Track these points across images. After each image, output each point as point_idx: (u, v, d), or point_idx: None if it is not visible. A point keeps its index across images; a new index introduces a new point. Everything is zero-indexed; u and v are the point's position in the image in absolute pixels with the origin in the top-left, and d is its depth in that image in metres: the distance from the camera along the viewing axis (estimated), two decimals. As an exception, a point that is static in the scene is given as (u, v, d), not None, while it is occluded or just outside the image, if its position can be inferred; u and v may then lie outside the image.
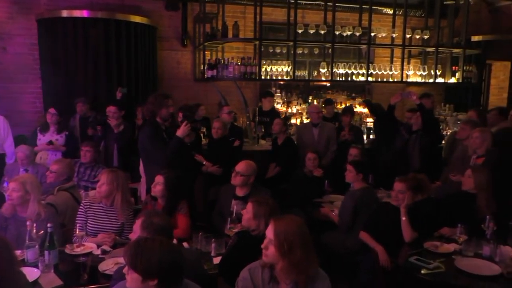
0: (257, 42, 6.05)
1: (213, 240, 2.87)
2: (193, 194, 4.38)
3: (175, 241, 2.62)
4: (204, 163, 4.73)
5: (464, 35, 6.70)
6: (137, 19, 6.35)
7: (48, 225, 2.60)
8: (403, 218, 3.19)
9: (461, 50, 6.62)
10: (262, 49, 6.17)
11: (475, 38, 7.53)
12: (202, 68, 6.76)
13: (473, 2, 7.18)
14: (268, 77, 6.11)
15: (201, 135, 5.71)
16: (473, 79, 6.90)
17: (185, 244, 2.93)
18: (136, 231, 2.26)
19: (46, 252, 2.51)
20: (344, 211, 3.73)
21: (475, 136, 4.10)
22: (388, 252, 3.15)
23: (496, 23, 7.93)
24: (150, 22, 6.61)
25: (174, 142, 3.64)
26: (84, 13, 6.04)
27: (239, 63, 5.83)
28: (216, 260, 2.72)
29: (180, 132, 3.65)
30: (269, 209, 2.47)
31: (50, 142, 5.05)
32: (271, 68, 6.04)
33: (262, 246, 2.00)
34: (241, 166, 3.47)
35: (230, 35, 6.03)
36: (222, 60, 5.99)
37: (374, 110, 5.51)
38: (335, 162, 5.25)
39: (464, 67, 6.61)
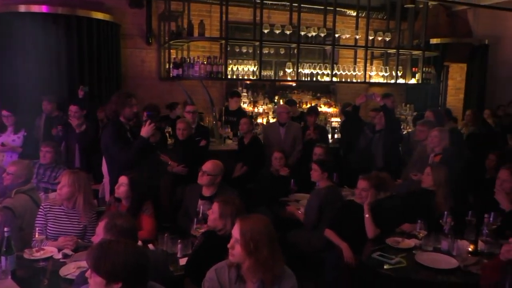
0: (223, 42, 6.04)
1: (179, 241, 2.84)
2: (158, 195, 4.32)
3: (140, 242, 2.57)
4: (169, 163, 4.67)
5: (423, 38, 6.96)
6: (99, 15, 6.18)
7: (5, 229, 2.48)
8: (367, 215, 3.27)
9: (420, 52, 6.87)
10: (228, 49, 6.17)
11: (433, 41, 7.83)
12: (167, 67, 6.68)
13: (431, 6, 7.46)
14: (235, 77, 6.11)
15: (167, 135, 5.63)
16: (432, 80, 7.18)
17: (150, 246, 2.88)
18: (99, 234, 2.20)
19: (2, 258, 2.40)
20: (310, 210, 3.78)
21: (433, 135, 4.27)
22: (353, 249, 3.22)
23: (453, 27, 8.28)
24: (113, 19, 6.45)
25: (139, 142, 3.56)
26: (43, 9, 5.81)
27: (205, 62, 5.79)
28: (183, 261, 2.70)
29: (144, 132, 3.56)
30: (235, 209, 2.47)
31: (2, 144, 4.86)
32: (237, 68, 6.04)
33: (229, 246, 2.00)
34: (208, 166, 3.45)
35: (196, 34, 5.99)
36: (188, 59, 5.93)
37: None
38: (301, 161, 5.31)
39: (424, 69, 6.86)
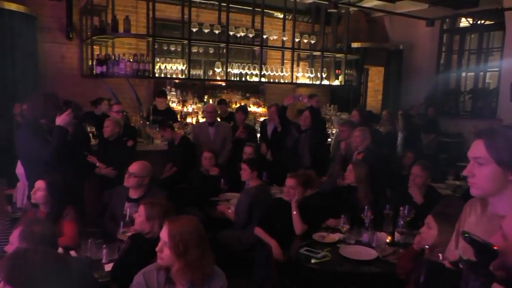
0: (150, 39, 5.88)
1: (104, 246, 2.72)
2: (83, 198, 4.09)
3: (60, 250, 2.42)
4: (97, 164, 4.45)
5: (345, 42, 7.33)
6: (12, 6, 5.68)
7: None
8: (294, 212, 3.38)
9: (343, 55, 7.23)
10: (156, 46, 6.02)
11: (355, 45, 8.26)
12: (90, 63, 6.34)
13: (352, 12, 7.87)
14: (163, 75, 5.98)
15: (90, 135, 5.36)
16: (354, 82, 7.58)
17: (72, 253, 2.72)
18: (14, 243, 2.05)
19: None
20: (240, 209, 3.82)
21: (356, 134, 4.53)
22: (282, 245, 3.31)
23: (372, 32, 8.81)
24: (29, 11, 5.97)
25: (56, 133, 3.23)
26: None
27: (131, 60, 5.60)
28: (108, 267, 2.59)
29: (60, 120, 3.21)
30: (163, 210, 2.42)
31: None
32: (165, 66, 5.91)
33: (157, 249, 1.96)
34: (134, 167, 3.34)
35: (121, 30, 5.76)
36: (113, 56, 5.69)
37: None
38: (231, 160, 5.34)
39: (346, 71, 7.23)
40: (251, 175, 3.89)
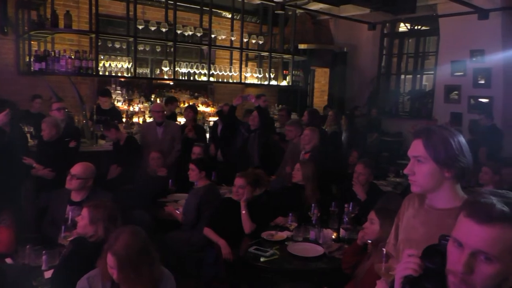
0: (93, 35, 5.64)
1: (44, 252, 2.58)
2: (20, 202, 3.86)
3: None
4: (34, 165, 4.20)
5: (292, 43, 7.47)
6: None
7: None
8: (243, 212, 3.40)
9: (290, 56, 7.36)
10: (100, 43, 5.79)
11: (301, 46, 8.44)
12: (27, 60, 5.99)
13: (299, 14, 8.05)
14: (107, 74, 5.77)
15: (28, 135, 5.06)
16: (301, 82, 7.74)
17: (8, 260, 2.56)
18: None
19: None
20: (188, 209, 3.78)
21: (305, 134, 4.63)
22: (231, 245, 3.31)
23: (318, 34, 9.05)
24: (-43, 2, 5.55)
25: None
26: None
27: (72, 57, 5.34)
28: (48, 274, 2.46)
29: None
30: (107, 213, 2.34)
31: None
32: (109, 64, 5.71)
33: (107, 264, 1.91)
34: (77, 169, 3.20)
35: (61, 25, 5.49)
36: (53, 52, 5.40)
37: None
38: (179, 160, 5.27)
39: (293, 72, 7.37)
40: (199, 175, 3.87)
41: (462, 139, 1.54)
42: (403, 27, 9.01)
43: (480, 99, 7.00)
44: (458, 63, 7.16)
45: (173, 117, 6.37)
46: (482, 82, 6.91)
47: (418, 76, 8.80)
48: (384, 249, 1.79)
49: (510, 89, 6.67)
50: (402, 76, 9.06)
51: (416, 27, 8.73)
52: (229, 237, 3.35)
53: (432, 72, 8.23)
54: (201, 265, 3.51)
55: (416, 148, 1.55)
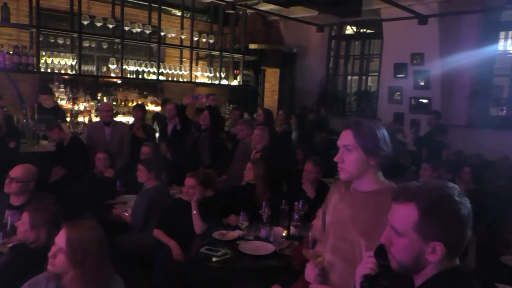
0: (34, 30, 5.36)
1: (-20, 260, 2.42)
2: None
3: None
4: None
5: (243, 43, 7.50)
6: None
7: None
8: (194, 212, 3.37)
9: (241, 55, 7.39)
10: (41, 39, 5.51)
11: (252, 46, 8.50)
12: (-41, 54, 5.58)
13: (250, 14, 8.10)
14: (49, 70, 5.50)
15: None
16: (252, 82, 7.81)
17: None
18: None
19: None
20: (138, 211, 3.70)
21: (255, 133, 4.67)
22: (182, 246, 3.28)
23: (268, 35, 9.15)
24: None
25: None
26: None
27: (11, 52, 5.04)
28: (-14, 284, 2.31)
29: None
30: (50, 217, 2.24)
31: None
32: (52, 61, 5.45)
33: (50, 254, 1.81)
34: (17, 171, 3.03)
35: (-2, 18, 5.16)
36: (-12, 47, 5.07)
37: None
38: (128, 161, 5.14)
39: (244, 72, 7.41)
40: (148, 176, 3.79)
41: (385, 132, 1.71)
42: (349, 30, 9.32)
43: (420, 100, 7.39)
44: (400, 65, 7.52)
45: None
46: (422, 84, 7.30)
47: (364, 77, 9.15)
48: (310, 235, 1.90)
49: (446, 91, 7.10)
50: (349, 77, 9.37)
51: (361, 30, 9.07)
52: (180, 238, 3.32)
53: (377, 73, 8.59)
54: (152, 267, 3.44)
55: (346, 138, 1.70)
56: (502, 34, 7.60)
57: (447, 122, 6.52)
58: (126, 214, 3.82)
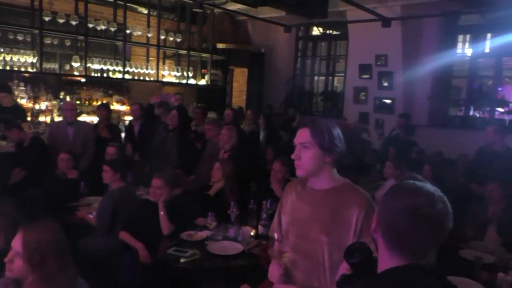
0: (-9, 26, 5.14)
1: None
2: None
3: None
4: None
5: (211, 42, 7.47)
6: None
7: None
8: (161, 213, 3.34)
9: (209, 55, 7.35)
10: (0, 35, 5.29)
11: (220, 46, 8.48)
12: None
13: (217, 13, 8.07)
14: (8, 68, 5.29)
15: None
16: (220, 82, 7.79)
17: None
18: None
19: None
20: (103, 213, 3.62)
21: (223, 133, 4.66)
22: (149, 247, 3.24)
23: (236, 34, 9.15)
24: None
25: None
26: None
27: (-34, 48, 4.82)
28: None
29: None
30: (8, 221, 2.15)
31: None
32: (11, 58, 5.24)
33: (6, 259, 1.74)
34: (-27, 173, 2.90)
35: (-49, 12, 4.92)
36: None
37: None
38: (92, 161, 5.02)
39: (212, 71, 7.38)
40: (114, 176, 3.72)
41: (339, 130, 1.78)
42: (316, 31, 9.46)
43: (384, 100, 7.61)
44: (365, 66, 7.70)
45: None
46: (386, 84, 7.52)
47: (330, 77, 9.31)
48: (273, 234, 1.95)
49: (408, 91, 7.34)
50: (316, 77, 9.51)
51: (328, 32, 9.22)
52: (147, 239, 3.27)
53: (343, 74, 8.77)
54: (118, 270, 3.38)
55: (303, 135, 1.75)
56: (460, 37, 7.94)
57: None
58: (91, 216, 3.73)
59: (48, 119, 6.55)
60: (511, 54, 7.08)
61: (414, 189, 1.17)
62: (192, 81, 7.29)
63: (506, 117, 6.79)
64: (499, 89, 7.49)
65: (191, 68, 7.20)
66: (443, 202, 1.14)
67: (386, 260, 1.20)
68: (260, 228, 3.33)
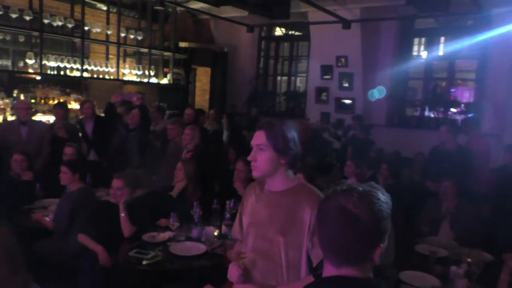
0: None
1: None
2: None
3: None
4: None
5: (173, 41, 7.37)
6: None
7: None
8: (122, 214, 3.27)
9: (171, 53, 7.26)
10: None
11: (182, 44, 8.38)
12: None
13: (179, 11, 7.97)
14: (-44, 64, 5.00)
15: None
16: (182, 81, 7.71)
17: None
18: None
19: None
20: (60, 215, 3.49)
21: (186, 133, 4.62)
22: (110, 250, 3.16)
23: (199, 33, 9.08)
24: None
25: None
26: None
27: None
28: None
29: None
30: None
31: None
32: (-41, 54, 4.96)
33: None
34: None
35: None
36: None
37: None
38: (48, 162, 4.83)
39: (174, 70, 7.28)
40: (72, 178, 3.60)
41: (294, 133, 1.83)
42: (279, 31, 9.55)
43: (344, 100, 7.79)
44: (326, 67, 7.86)
45: None
46: (346, 85, 7.70)
47: (293, 78, 9.43)
48: (234, 236, 1.97)
49: (368, 92, 7.55)
50: (279, 78, 9.61)
51: (290, 32, 9.33)
52: (107, 242, 3.19)
53: (305, 74, 8.90)
54: (77, 274, 3.27)
55: (259, 138, 1.79)
56: (416, 40, 8.26)
57: (368, 121, 6.94)
58: (47, 219, 3.59)
59: (0, 119, 6.23)
60: (463, 57, 7.44)
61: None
62: (153, 80, 7.17)
63: (458, 117, 7.14)
64: (452, 90, 7.87)
65: (152, 66, 7.09)
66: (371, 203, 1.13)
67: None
68: (223, 228, 3.32)
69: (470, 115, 6.48)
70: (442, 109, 7.35)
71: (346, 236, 1.12)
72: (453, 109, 7.34)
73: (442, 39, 8.22)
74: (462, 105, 7.36)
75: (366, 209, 1.11)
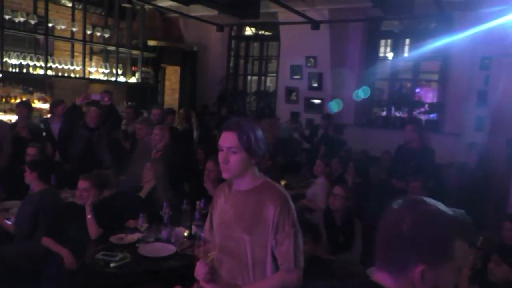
0: None
1: None
2: None
3: None
4: None
5: (141, 39, 7.25)
6: None
7: None
8: (89, 216, 3.19)
9: (139, 52, 7.13)
10: None
11: (151, 43, 8.25)
12: None
13: (148, 9, 7.84)
14: None
15: None
16: (151, 80, 7.60)
17: None
18: None
19: None
20: (22, 218, 3.37)
21: (155, 133, 4.56)
22: (76, 253, 3.07)
23: (168, 32, 8.97)
24: None
25: None
26: None
27: None
28: None
29: None
30: None
31: None
32: None
33: None
34: None
35: None
36: None
37: None
38: (11, 163, 4.65)
39: (143, 69, 7.17)
40: (35, 178, 3.48)
41: (260, 132, 1.83)
42: (249, 31, 9.56)
43: (314, 100, 7.88)
44: (296, 67, 7.93)
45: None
46: (315, 85, 7.80)
47: (263, 77, 9.46)
48: (201, 235, 1.98)
49: (336, 92, 7.67)
50: (249, 77, 9.62)
51: (260, 32, 9.36)
52: (73, 245, 3.10)
53: (275, 74, 8.95)
54: (41, 278, 3.16)
55: (231, 140, 1.77)
56: (382, 42, 8.47)
57: (337, 121, 7.05)
58: (9, 223, 3.46)
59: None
60: (427, 59, 7.68)
61: None
62: (121, 79, 7.03)
63: (423, 117, 7.36)
64: (417, 90, 8.11)
65: (120, 65, 6.94)
66: None
67: None
68: (193, 228, 3.29)
69: (432, 115, 6.69)
70: (407, 109, 7.57)
71: None
72: (417, 109, 7.56)
73: (407, 41, 8.46)
74: (426, 105, 7.59)
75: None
